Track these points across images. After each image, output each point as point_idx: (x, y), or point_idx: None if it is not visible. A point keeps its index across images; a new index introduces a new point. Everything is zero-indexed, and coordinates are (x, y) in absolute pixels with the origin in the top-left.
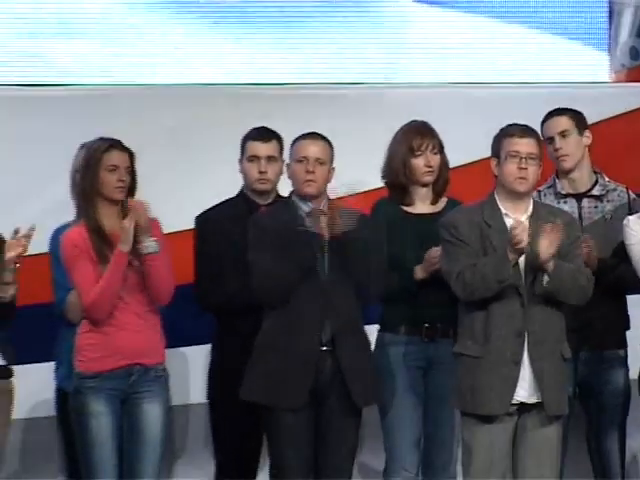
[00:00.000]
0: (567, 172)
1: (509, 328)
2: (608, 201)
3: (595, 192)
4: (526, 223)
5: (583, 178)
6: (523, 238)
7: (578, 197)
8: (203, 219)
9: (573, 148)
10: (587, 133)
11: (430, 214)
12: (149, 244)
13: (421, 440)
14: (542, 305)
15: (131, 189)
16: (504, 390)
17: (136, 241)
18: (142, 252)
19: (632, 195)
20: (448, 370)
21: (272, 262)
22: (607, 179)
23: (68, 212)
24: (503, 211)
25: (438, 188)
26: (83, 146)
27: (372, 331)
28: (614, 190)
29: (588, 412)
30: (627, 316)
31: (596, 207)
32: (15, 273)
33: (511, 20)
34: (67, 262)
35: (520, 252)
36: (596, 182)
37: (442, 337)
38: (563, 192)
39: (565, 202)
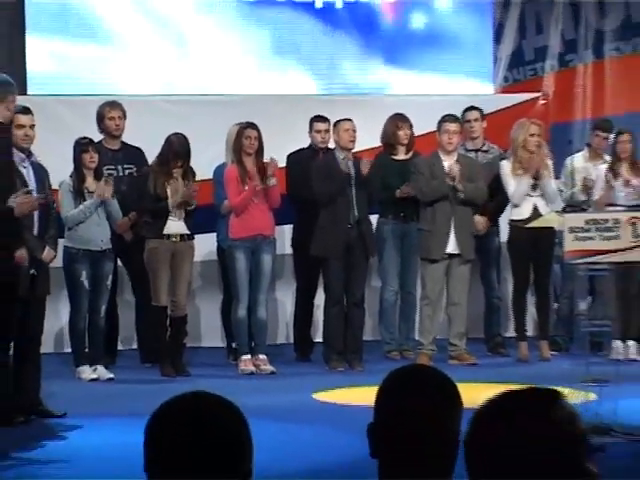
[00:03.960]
0: (474, 139)
1: (444, 216)
2: (490, 154)
3: (484, 148)
4: (455, 164)
5: (479, 142)
6: (455, 172)
7: (476, 151)
8: (292, 160)
9: (479, 127)
10: (484, 121)
11: (405, 160)
12: (271, 180)
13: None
14: (460, 205)
15: (260, 152)
16: (441, 246)
17: (263, 178)
18: (268, 184)
19: (501, 151)
20: (414, 237)
21: (325, 184)
22: (490, 143)
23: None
24: (442, 158)
25: (409, 146)
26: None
27: (373, 219)
28: (493, 148)
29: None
30: (499, 208)
31: (484, 155)
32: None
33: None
34: (226, 183)
35: (452, 178)
36: (484, 144)
37: (411, 220)
38: (469, 148)
39: (471, 153)
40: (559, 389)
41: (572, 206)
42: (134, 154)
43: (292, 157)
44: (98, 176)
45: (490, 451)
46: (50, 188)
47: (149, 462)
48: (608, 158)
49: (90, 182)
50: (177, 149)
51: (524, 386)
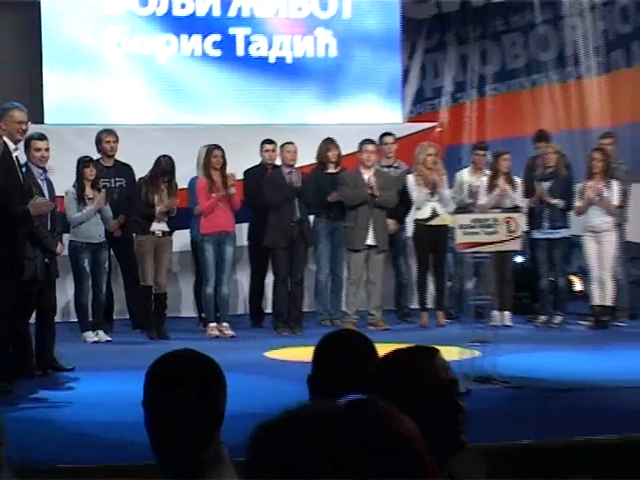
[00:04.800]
0: (389, 158)
1: (364, 216)
2: (400, 169)
3: (395, 165)
4: (372, 177)
5: (392, 160)
6: (372, 183)
7: (389, 167)
8: (247, 174)
9: (393, 149)
10: (395, 143)
11: (334, 173)
12: (232, 190)
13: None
14: (376, 208)
15: (224, 167)
16: (362, 239)
17: (226, 188)
18: (229, 193)
19: (407, 167)
20: (341, 233)
21: (274, 192)
22: (399, 161)
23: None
24: (362, 172)
25: (337, 163)
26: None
27: (311, 219)
28: (401, 165)
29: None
30: (406, 211)
31: (395, 170)
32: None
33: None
34: (197, 192)
35: (370, 188)
36: (395, 162)
37: (339, 220)
38: (384, 164)
39: (385, 169)
40: (437, 347)
41: (461, 208)
42: (124, 170)
43: (247, 172)
44: (95, 186)
45: (391, 385)
46: (55, 197)
47: (148, 399)
48: (487, 172)
49: (89, 191)
50: (164, 168)
51: (412, 345)
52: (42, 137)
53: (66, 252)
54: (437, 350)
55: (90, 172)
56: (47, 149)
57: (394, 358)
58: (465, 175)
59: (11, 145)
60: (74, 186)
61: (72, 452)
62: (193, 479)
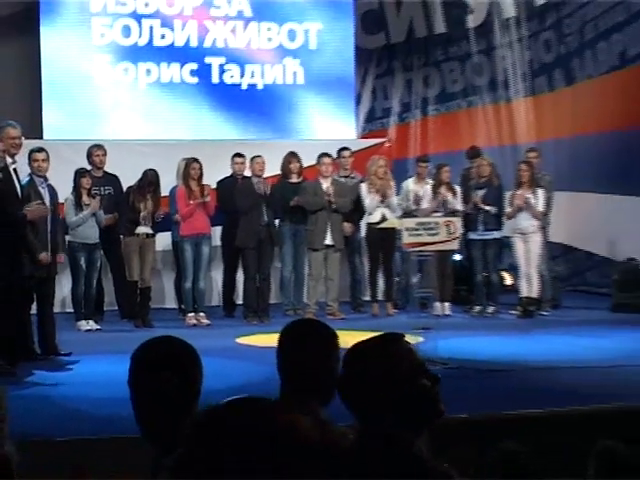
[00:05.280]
0: (345, 169)
1: (322, 220)
2: (355, 179)
3: (352, 176)
4: (330, 186)
5: (349, 171)
6: (330, 191)
7: (346, 177)
8: (220, 184)
9: (349, 161)
10: (351, 157)
11: (297, 183)
12: (207, 197)
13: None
14: (334, 213)
15: (200, 178)
16: (321, 240)
17: (202, 196)
18: (205, 200)
19: (361, 177)
20: (302, 235)
21: (244, 200)
22: (354, 172)
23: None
24: (321, 182)
25: (299, 174)
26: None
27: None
28: (356, 176)
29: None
30: (359, 216)
31: (351, 180)
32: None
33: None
34: (177, 199)
35: (328, 195)
36: (351, 172)
37: (301, 223)
38: (341, 175)
39: (342, 179)
40: (401, 333)
41: (407, 213)
42: (112, 180)
43: (221, 182)
44: (90, 194)
45: (366, 371)
46: (57, 204)
47: (133, 378)
48: (430, 181)
49: (85, 198)
50: (150, 179)
51: (379, 333)
52: (40, 150)
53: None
54: (403, 335)
55: (86, 182)
56: (44, 160)
57: (366, 346)
58: (410, 184)
59: (8, 159)
60: (72, 194)
61: (68, 426)
62: (174, 448)
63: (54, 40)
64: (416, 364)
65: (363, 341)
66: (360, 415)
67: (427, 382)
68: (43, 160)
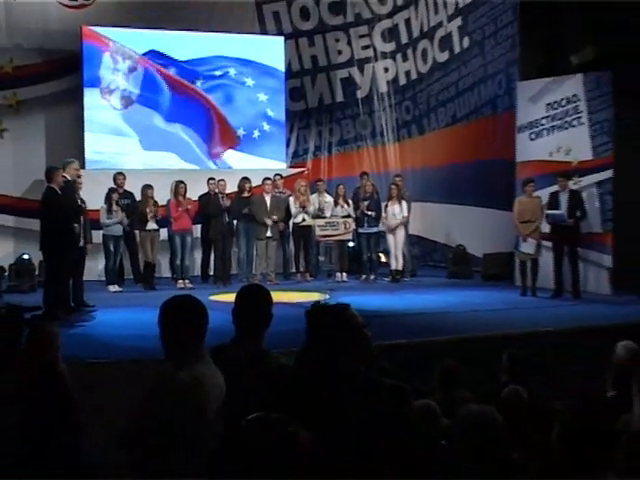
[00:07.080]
0: (279, 188)
1: (265, 221)
2: (285, 194)
3: (283, 192)
4: (270, 199)
5: (281, 189)
6: (269, 203)
7: (281, 193)
8: (201, 197)
9: (281, 182)
10: (283, 180)
11: (248, 197)
12: (188, 206)
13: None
14: (272, 217)
15: (185, 193)
16: (264, 233)
17: (187, 205)
18: (188, 208)
19: (289, 193)
20: (252, 230)
21: (213, 209)
22: (286, 189)
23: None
24: (265, 196)
25: (250, 191)
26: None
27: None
28: (287, 192)
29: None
30: (289, 219)
31: (283, 195)
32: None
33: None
34: (171, 208)
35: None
36: (284, 190)
37: (251, 222)
38: (277, 191)
39: (278, 194)
40: (309, 292)
41: (318, 216)
42: (129, 195)
43: (200, 197)
44: (117, 204)
45: (327, 328)
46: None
47: (163, 317)
48: (328, 195)
49: (114, 207)
50: (151, 196)
51: (303, 292)
52: (80, 176)
53: (100, 240)
54: (348, 305)
55: (115, 196)
56: (79, 176)
57: (324, 311)
58: (315, 197)
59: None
60: (105, 203)
61: (101, 352)
62: (185, 365)
63: (90, 100)
64: (362, 324)
65: (321, 305)
66: (322, 351)
67: (368, 331)
68: (79, 176)
